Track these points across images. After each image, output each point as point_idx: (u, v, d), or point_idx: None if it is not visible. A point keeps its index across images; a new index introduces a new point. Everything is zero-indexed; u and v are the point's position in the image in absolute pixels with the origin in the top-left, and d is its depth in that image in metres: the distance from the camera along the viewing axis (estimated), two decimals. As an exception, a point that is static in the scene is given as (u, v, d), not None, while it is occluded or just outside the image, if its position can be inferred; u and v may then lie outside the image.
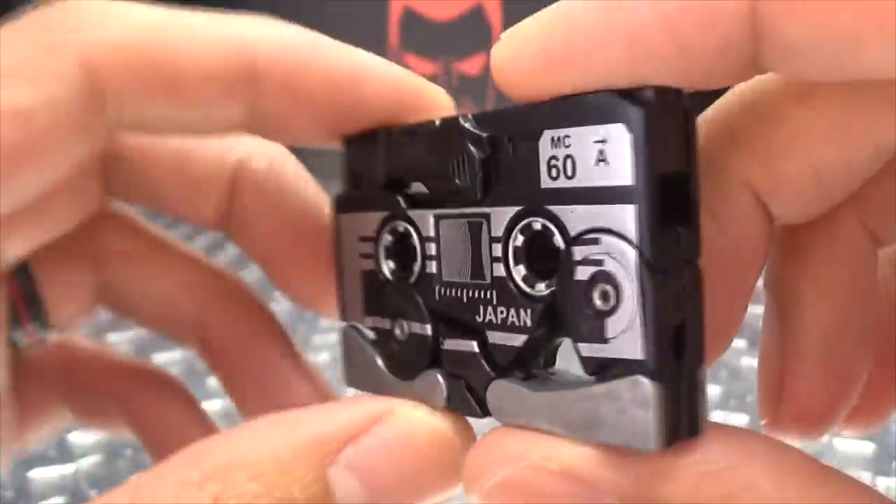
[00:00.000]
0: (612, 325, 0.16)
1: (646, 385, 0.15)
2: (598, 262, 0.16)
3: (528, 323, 0.17)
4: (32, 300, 0.24)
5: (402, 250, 0.20)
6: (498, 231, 0.18)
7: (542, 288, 0.17)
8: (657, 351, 0.15)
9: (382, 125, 0.20)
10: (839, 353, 0.20)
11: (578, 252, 0.16)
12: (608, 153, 0.15)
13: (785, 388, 0.21)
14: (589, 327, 0.16)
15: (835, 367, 0.20)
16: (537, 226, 0.17)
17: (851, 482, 0.15)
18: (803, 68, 0.15)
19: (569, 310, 0.16)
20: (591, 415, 0.16)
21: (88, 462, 0.48)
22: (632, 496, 0.15)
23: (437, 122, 0.19)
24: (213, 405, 0.40)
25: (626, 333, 0.15)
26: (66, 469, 0.47)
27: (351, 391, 0.21)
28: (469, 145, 0.18)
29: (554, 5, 0.16)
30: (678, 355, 0.15)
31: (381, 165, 0.20)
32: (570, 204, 0.16)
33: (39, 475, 0.47)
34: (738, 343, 0.63)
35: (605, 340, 0.16)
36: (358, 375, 0.21)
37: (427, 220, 0.19)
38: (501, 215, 0.17)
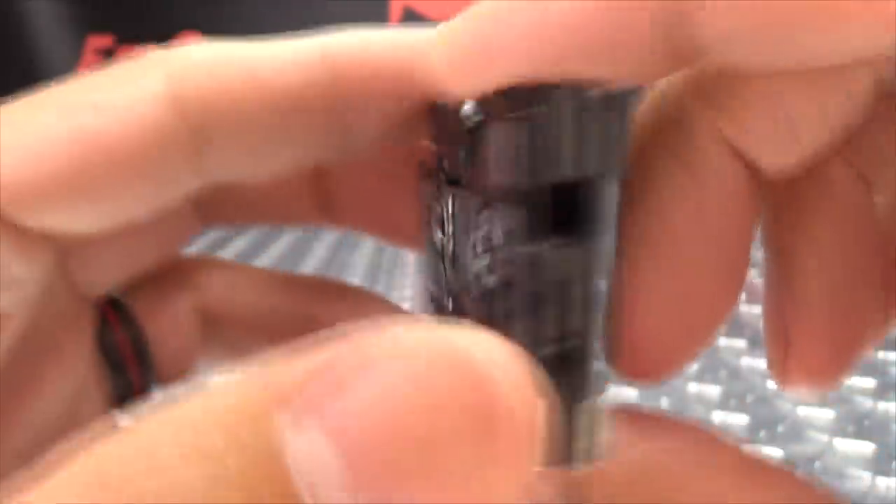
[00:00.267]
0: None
1: None
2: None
3: None
4: (137, 343, 0.23)
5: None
6: None
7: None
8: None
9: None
10: (842, 301, 0.20)
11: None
12: None
13: (791, 342, 0.21)
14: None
15: (839, 315, 0.20)
16: None
17: (785, 473, 0.16)
18: (737, 55, 0.15)
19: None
20: None
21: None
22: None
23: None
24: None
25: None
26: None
27: None
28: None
29: (482, 2, 0.16)
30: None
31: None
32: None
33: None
34: (738, 343, 0.63)
35: None
36: None
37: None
38: None
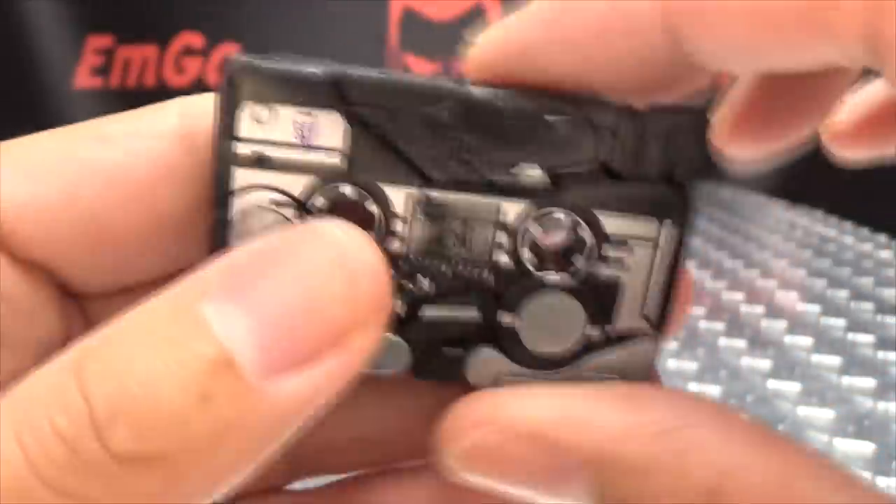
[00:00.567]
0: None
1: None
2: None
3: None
4: None
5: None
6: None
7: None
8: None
9: None
10: (800, 99, 0.22)
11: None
12: None
13: (743, 106, 0.23)
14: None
15: (790, 104, 0.23)
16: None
17: (800, 447, 0.16)
18: (727, 67, 0.17)
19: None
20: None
21: None
22: (593, 458, 0.17)
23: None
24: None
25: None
26: None
27: None
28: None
29: (526, 6, 0.18)
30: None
31: None
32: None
33: None
34: (738, 343, 0.63)
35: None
36: None
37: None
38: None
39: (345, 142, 0.18)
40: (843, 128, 0.24)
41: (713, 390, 0.55)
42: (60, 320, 0.19)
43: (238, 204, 0.18)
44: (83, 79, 1.18)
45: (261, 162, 0.18)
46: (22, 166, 0.18)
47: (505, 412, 0.18)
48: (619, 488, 0.16)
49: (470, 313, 0.19)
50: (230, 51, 1.17)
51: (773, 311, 0.70)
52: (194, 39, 1.20)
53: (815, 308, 0.71)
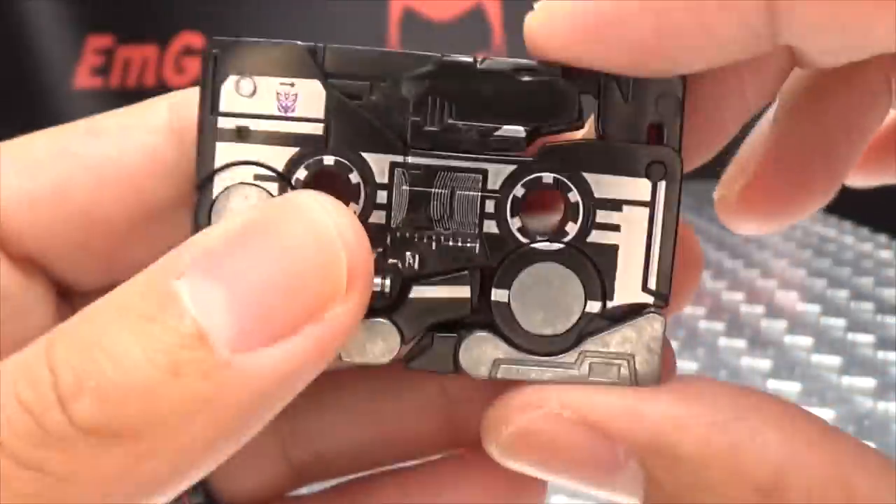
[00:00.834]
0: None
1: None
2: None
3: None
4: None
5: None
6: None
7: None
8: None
9: None
10: (806, 167, 0.21)
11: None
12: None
13: (748, 172, 0.22)
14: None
15: (798, 174, 0.21)
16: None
17: (858, 443, 0.16)
18: (818, 45, 0.16)
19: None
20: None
21: None
22: (644, 447, 0.16)
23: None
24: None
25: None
26: None
27: None
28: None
29: None
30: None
31: None
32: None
33: None
34: (738, 343, 0.63)
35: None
36: None
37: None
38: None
39: (326, 111, 0.18)
40: (734, 197, 0.22)
41: (711, 378, 0.55)
42: (54, 319, 0.19)
43: (221, 181, 0.18)
44: (83, 79, 1.18)
45: (244, 135, 0.18)
46: (15, 163, 0.18)
47: (554, 398, 0.17)
48: (669, 481, 0.16)
49: (461, 292, 0.18)
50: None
51: (773, 311, 0.70)
52: (194, 39, 1.20)
53: (815, 308, 0.71)
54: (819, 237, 0.94)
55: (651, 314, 0.18)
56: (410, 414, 0.21)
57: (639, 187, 0.18)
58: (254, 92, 0.18)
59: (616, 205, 0.18)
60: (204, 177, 0.18)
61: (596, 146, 0.18)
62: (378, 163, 0.18)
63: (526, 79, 0.18)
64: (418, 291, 0.18)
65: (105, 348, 0.14)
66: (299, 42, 0.18)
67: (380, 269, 0.18)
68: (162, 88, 1.15)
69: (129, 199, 0.18)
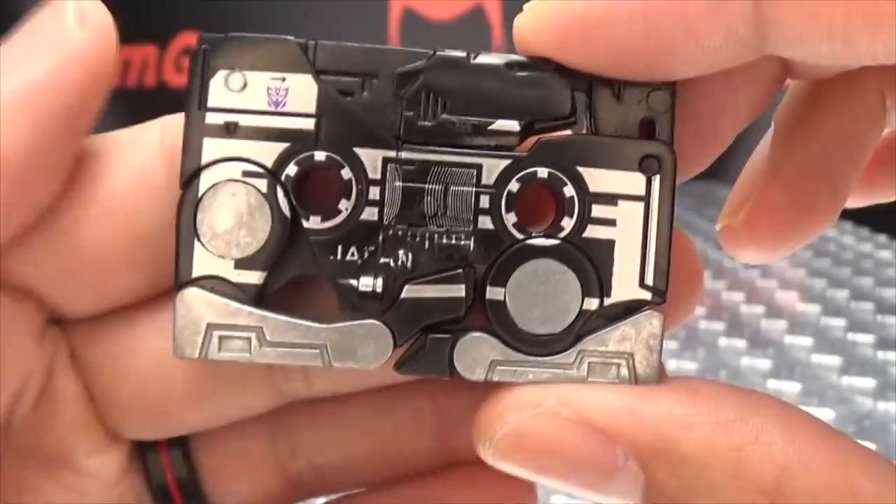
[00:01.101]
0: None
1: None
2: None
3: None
4: (187, 477, 0.20)
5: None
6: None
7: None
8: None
9: None
10: (809, 190, 0.21)
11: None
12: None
13: (751, 200, 0.22)
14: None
15: (801, 197, 0.21)
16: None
17: (859, 445, 0.16)
18: (804, 56, 0.16)
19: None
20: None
21: None
22: (645, 447, 0.16)
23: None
24: None
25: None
26: None
27: None
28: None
29: None
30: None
31: None
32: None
33: None
34: (738, 343, 0.63)
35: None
36: None
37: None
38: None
39: (317, 107, 0.17)
40: (737, 225, 0.22)
41: (713, 379, 0.55)
42: (44, 348, 0.18)
43: (208, 178, 0.17)
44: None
45: (233, 131, 0.17)
46: None
47: (552, 396, 0.17)
48: (670, 483, 0.16)
49: (455, 291, 0.18)
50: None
51: (773, 311, 0.70)
52: (194, 39, 1.20)
53: (815, 308, 0.71)
54: (819, 237, 0.94)
55: (649, 311, 0.18)
56: (404, 429, 0.21)
57: (633, 181, 0.18)
58: (244, 87, 0.17)
59: (611, 199, 0.18)
60: (190, 173, 0.17)
61: (590, 141, 0.18)
62: (370, 158, 0.17)
63: (519, 74, 0.17)
64: (411, 291, 0.18)
65: None
66: (291, 37, 0.17)
67: (371, 268, 0.18)
68: (162, 88, 1.15)
69: (117, 219, 0.18)
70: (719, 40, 0.16)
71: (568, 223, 0.18)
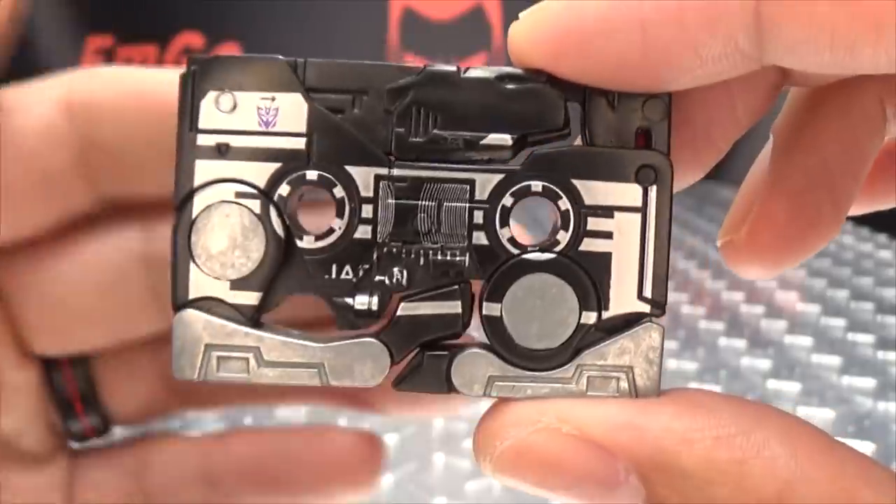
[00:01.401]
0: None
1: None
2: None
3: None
4: (87, 390, 0.23)
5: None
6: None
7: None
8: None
9: None
10: (810, 203, 0.21)
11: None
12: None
13: (752, 215, 0.21)
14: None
15: (803, 210, 0.21)
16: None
17: (860, 456, 0.16)
18: (804, 64, 0.16)
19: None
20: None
21: None
22: (646, 462, 0.16)
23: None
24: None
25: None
26: None
27: None
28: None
29: None
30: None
31: None
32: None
33: None
34: (738, 343, 0.63)
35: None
36: None
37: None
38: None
39: (308, 125, 0.17)
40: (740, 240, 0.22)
41: (713, 390, 0.55)
42: None
43: (201, 200, 0.17)
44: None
45: (224, 152, 0.17)
46: None
47: (552, 412, 0.17)
48: (671, 497, 0.15)
49: (451, 308, 0.18)
50: (231, 51, 1.17)
51: (773, 311, 0.70)
52: (194, 39, 1.20)
53: (815, 308, 0.71)
54: (819, 237, 0.94)
55: (648, 324, 0.17)
56: None
57: (629, 193, 0.17)
58: (234, 107, 0.17)
59: (607, 211, 0.17)
60: (183, 196, 0.17)
61: (584, 153, 0.18)
62: (362, 176, 0.17)
63: (511, 87, 0.17)
64: (407, 308, 0.18)
65: None
66: (280, 56, 0.17)
67: (366, 286, 0.18)
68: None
69: (24, 165, 0.20)
70: (718, 50, 0.16)
71: (564, 237, 0.18)
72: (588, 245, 0.17)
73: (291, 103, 0.17)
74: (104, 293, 0.22)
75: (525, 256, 0.18)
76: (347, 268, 0.18)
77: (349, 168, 0.17)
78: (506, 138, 0.17)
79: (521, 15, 0.17)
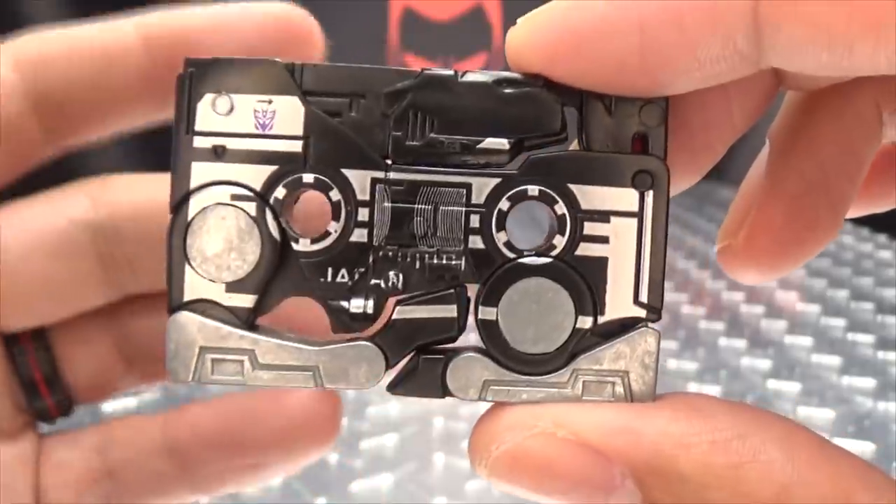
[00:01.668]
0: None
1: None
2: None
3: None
4: (50, 372, 0.24)
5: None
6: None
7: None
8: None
9: None
10: (808, 205, 0.21)
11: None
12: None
13: (749, 225, 0.21)
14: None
15: (800, 214, 0.21)
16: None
17: (856, 459, 0.16)
18: (803, 66, 0.16)
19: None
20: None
21: None
22: (643, 466, 0.16)
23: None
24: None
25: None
26: None
27: None
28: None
29: None
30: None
31: None
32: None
33: None
34: (738, 343, 0.63)
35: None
36: None
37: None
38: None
39: (305, 128, 0.17)
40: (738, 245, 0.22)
41: (713, 390, 0.55)
42: None
43: (197, 202, 0.17)
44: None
45: (220, 154, 0.17)
46: None
47: (548, 416, 0.17)
48: (668, 502, 0.15)
49: (447, 312, 0.18)
50: (230, 51, 1.16)
51: (773, 311, 0.70)
52: (194, 39, 1.20)
53: (815, 308, 0.71)
54: (819, 237, 0.94)
55: (644, 328, 0.17)
56: None
57: (626, 197, 0.17)
58: (231, 110, 0.17)
59: (603, 216, 0.17)
60: (179, 198, 0.17)
61: (581, 157, 0.17)
62: (359, 179, 0.17)
63: (508, 91, 0.17)
64: (402, 312, 0.18)
65: None
66: (277, 59, 0.17)
67: (362, 289, 0.18)
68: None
69: None
70: (716, 51, 0.16)
71: (560, 241, 0.17)
72: (584, 249, 0.17)
73: (288, 106, 0.17)
74: (55, 261, 0.22)
75: (521, 260, 0.17)
76: (343, 271, 0.18)
77: (345, 171, 0.17)
78: (503, 142, 0.17)
79: (519, 20, 0.17)
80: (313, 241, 0.18)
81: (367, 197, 0.17)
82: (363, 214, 0.17)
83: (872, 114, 0.21)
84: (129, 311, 0.25)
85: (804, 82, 0.20)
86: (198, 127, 0.17)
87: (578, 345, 0.18)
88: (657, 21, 0.16)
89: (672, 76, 0.16)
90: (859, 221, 0.97)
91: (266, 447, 0.25)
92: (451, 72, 0.17)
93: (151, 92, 0.22)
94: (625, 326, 0.18)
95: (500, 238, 0.18)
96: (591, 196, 0.17)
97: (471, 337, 0.18)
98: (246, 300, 0.18)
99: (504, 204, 0.18)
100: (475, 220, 0.18)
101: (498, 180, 0.17)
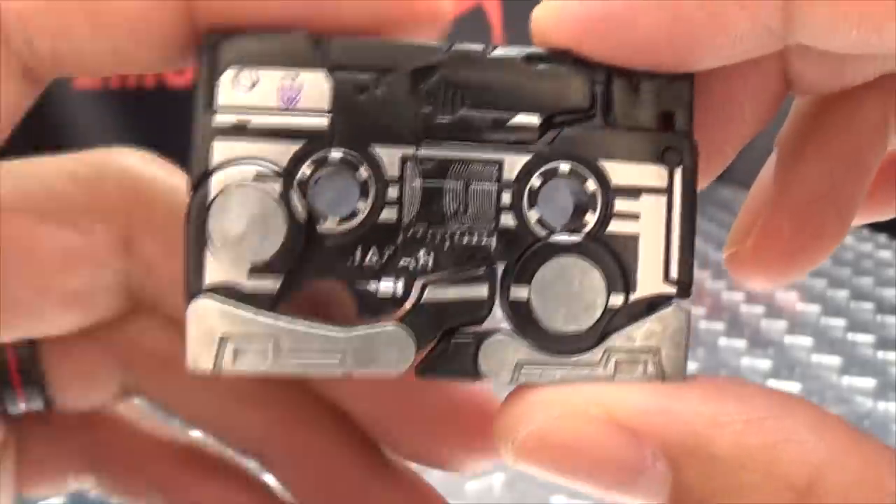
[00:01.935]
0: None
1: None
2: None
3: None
4: (30, 372, 0.22)
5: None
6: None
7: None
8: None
9: None
10: (816, 210, 0.21)
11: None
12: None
13: (757, 227, 0.22)
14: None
15: (808, 221, 0.21)
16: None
17: (885, 446, 0.16)
18: (831, 44, 0.16)
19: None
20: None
21: None
22: (677, 446, 0.15)
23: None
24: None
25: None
26: None
27: None
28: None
29: None
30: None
31: None
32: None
33: None
34: (738, 343, 0.63)
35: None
36: None
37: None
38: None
39: (331, 104, 0.17)
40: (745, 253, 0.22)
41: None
42: None
43: (218, 181, 0.17)
44: (83, 80, 1.18)
45: (243, 131, 0.17)
46: None
47: (579, 395, 0.16)
48: (700, 482, 0.15)
49: (478, 292, 0.17)
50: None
51: (773, 311, 0.70)
52: (194, 40, 1.20)
53: (815, 308, 0.71)
54: (819, 237, 0.94)
55: (675, 306, 0.17)
56: None
57: (655, 174, 0.17)
58: (254, 84, 0.17)
59: (634, 193, 0.17)
60: (199, 176, 0.17)
61: (610, 134, 0.17)
62: (388, 156, 0.17)
63: (537, 67, 0.17)
64: (432, 293, 0.17)
65: None
66: (303, 31, 0.17)
67: (391, 271, 0.17)
68: (161, 89, 1.16)
69: None
70: (746, 27, 0.16)
71: (591, 218, 0.17)
72: (615, 227, 0.17)
73: (314, 81, 0.17)
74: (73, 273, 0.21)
75: (552, 239, 0.17)
76: (371, 252, 0.17)
77: (374, 148, 0.17)
78: (533, 119, 0.17)
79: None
80: (341, 221, 0.17)
81: (396, 174, 0.17)
82: (392, 193, 0.17)
83: (879, 121, 0.21)
84: (134, 324, 0.23)
85: (811, 87, 0.20)
86: (219, 102, 0.17)
87: (610, 323, 0.17)
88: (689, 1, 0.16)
89: (701, 51, 0.16)
90: (859, 221, 0.97)
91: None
92: (479, 47, 0.17)
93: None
94: (655, 304, 0.17)
95: (532, 216, 0.17)
96: (621, 173, 0.17)
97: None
98: (269, 284, 0.17)
99: (536, 181, 0.17)
100: (506, 198, 0.17)
101: (529, 156, 0.17)
